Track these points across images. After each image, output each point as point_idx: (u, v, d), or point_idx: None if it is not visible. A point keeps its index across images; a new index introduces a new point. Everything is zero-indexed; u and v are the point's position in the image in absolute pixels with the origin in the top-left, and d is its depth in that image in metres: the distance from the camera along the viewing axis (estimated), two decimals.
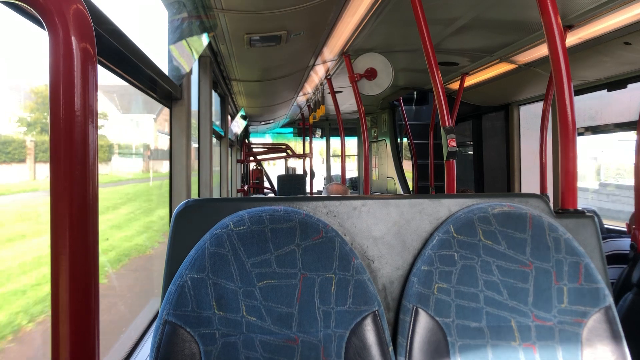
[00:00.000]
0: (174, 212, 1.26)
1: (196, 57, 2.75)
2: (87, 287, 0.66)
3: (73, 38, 0.63)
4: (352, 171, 11.89)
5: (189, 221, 1.24)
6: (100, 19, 1.33)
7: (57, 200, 0.64)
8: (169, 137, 2.55)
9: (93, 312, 0.67)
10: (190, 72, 2.64)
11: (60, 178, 0.64)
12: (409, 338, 1.20)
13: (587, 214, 1.43)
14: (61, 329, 0.64)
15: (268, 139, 13.42)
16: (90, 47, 0.65)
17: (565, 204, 1.62)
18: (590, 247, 1.37)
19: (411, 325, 1.20)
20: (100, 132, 2.03)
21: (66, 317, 0.64)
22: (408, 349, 1.19)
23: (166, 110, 2.55)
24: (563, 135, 1.67)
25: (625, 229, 3.47)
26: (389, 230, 1.34)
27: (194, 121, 3.36)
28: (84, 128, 0.65)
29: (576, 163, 1.66)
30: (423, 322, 1.20)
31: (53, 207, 0.64)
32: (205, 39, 2.87)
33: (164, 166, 3.73)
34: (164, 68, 2.18)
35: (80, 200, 0.65)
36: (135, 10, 1.99)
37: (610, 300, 1.24)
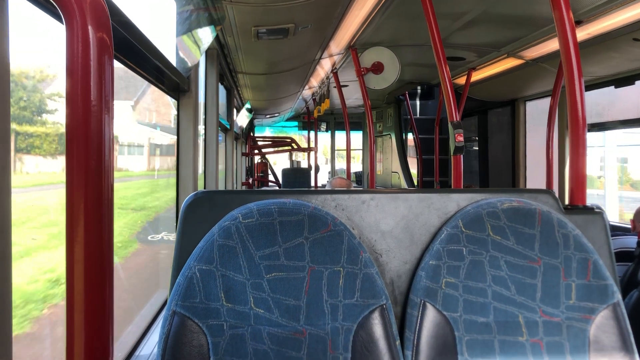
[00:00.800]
0: (183, 203, 1.26)
1: (204, 49, 2.75)
2: (102, 277, 0.67)
3: (90, 28, 0.63)
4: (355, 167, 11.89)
5: (198, 213, 1.24)
6: (111, 10, 1.33)
7: (73, 188, 0.64)
8: (175, 130, 2.55)
9: (107, 303, 0.68)
10: (198, 65, 2.64)
11: (75, 167, 0.64)
12: (416, 332, 1.20)
13: (596, 210, 1.42)
14: (76, 319, 0.64)
15: (272, 133, 13.41)
16: (107, 37, 0.65)
17: (574, 200, 1.61)
18: (599, 243, 1.37)
19: (418, 320, 1.20)
20: (53, 118, 1.88)
21: (81, 307, 0.65)
22: (415, 343, 1.19)
23: (148, 97, 2.53)
24: (573, 131, 1.66)
25: (630, 226, 3.46)
26: (397, 224, 1.34)
27: (201, 113, 3.36)
28: (100, 118, 0.65)
29: (585, 159, 1.66)
30: (430, 316, 1.20)
31: (69, 196, 0.64)
32: (212, 31, 2.87)
33: (135, 165, 3.54)
34: (172, 60, 2.18)
35: (96, 189, 0.65)
36: (144, 1, 1.99)
37: (618, 297, 1.24)
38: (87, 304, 0.65)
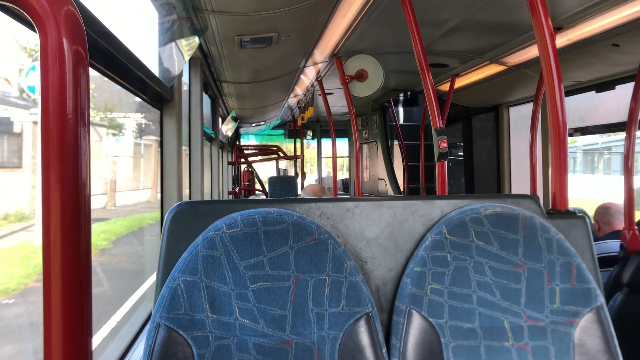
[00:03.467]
0: (167, 214, 1.25)
1: (187, 58, 2.74)
2: (80, 290, 0.66)
3: (64, 40, 0.63)
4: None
5: (182, 224, 1.24)
6: (90, 21, 1.33)
7: (50, 201, 0.64)
8: (159, 138, 2.54)
9: (86, 314, 0.67)
10: (181, 74, 2.63)
11: (51, 181, 0.64)
12: (402, 339, 1.20)
13: (578, 214, 1.44)
14: (54, 331, 0.63)
15: (258, 141, 13.40)
16: (82, 50, 0.65)
17: (556, 205, 1.63)
18: (582, 247, 1.38)
19: (404, 327, 1.21)
20: None
21: (59, 319, 0.64)
22: (401, 350, 1.19)
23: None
24: (554, 136, 1.68)
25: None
26: (382, 231, 1.34)
27: (185, 123, 3.35)
28: (76, 131, 0.64)
29: (567, 163, 1.67)
30: (416, 323, 1.21)
31: (44, 212, 0.64)
32: (196, 41, 2.86)
33: None
34: (155, 70, 2.17)
35: (73, 204, 0.65)
36: (125, 11, 1.98)
37: (601, 300, 1.25)
38: (64, 316, 0.64)
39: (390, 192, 7.83)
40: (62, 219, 0.64)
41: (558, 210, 1.59)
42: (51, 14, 0.62)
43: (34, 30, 0.65)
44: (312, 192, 3.78)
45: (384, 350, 1.18)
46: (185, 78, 3.36)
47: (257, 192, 10.10)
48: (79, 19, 0.66)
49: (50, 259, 0.64)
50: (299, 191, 9.37)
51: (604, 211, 3.34)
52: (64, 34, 0.63)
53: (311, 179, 13.70)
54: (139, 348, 2.07)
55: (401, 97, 8.06)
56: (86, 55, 0.66)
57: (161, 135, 2.52)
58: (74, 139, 0.64)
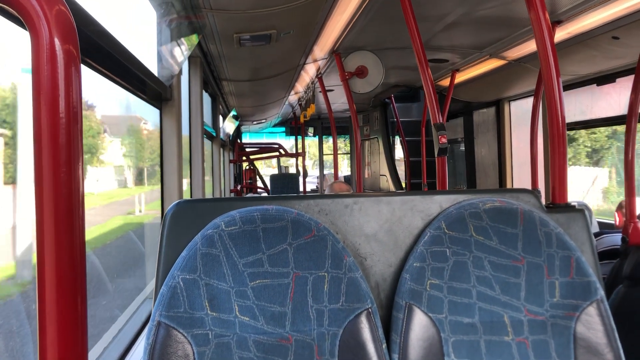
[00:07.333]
0: (166, 213, 1.25)
1: (186, 57, 2.74)
2: (74, 291, 0.66)
3: (56, 40, 0.63)
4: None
5: (181, 222, 1.24)
6: (86, 20, 1.32)
7: (42, 203, 0.64)
8: (159, 138, 2.54)
9: (80, 315, 0.67)
10: (180, 73, 2.63)
11: (44, 181, 0.64)
12: (402, 335, 1.20)
13: (578, 208, 1.43)
14: (49, 331, 0.64)
15: (261, 139, 13.42)
16: (73, 49, 0.65)
17: (555, 199, 1.62)
18: (581, 240, 1.38)
19: (404, 322, 1.20)
20: None
21: (54, 319, 0.64)
22: (401, 345, 1.19)
23: None
24: (553, 130, 1.67)
25: (614, 221, 3.48)
26: (380, 227, 1.34)
27: (185, 122, 3.34)
28: (68, 130, 0.64)
29: (566, 158, 1.67)
30: (416, 318, 1.20)
31: (38, 212, 0.64)
32: (194, 39, 2.86)
33: None
34: (154, 69, 2.17)
35: (66, 203, 0.65)
36: (123, 10, 1.98)
37: (601, 293, 1.24)
38: (59, 316, 0.65)
39: (392, 188, 7.83)
40: (55, 219, 0.64)
41: (557, 204, 1.59)
42: (42, 14, 0.62)
43: (25, 29, 0.65)
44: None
45: (384, 346, 1.18)
46: (184, 77, 3.36)
47: (259, 190, 10.11)
48: (70, 19, 0.66)
49: (44, 259, 0.64)
50: (301, 188, 9.38)
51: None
52: (56, 33, 0.63)
53: (312, 177, 13.66)
54: (140, 347, 2.07)
55: (402, 93, 8.05)
56: (78, 55, 0.66)
57: (161, 134, 2.52)
58: (67, 138, 0.64)
